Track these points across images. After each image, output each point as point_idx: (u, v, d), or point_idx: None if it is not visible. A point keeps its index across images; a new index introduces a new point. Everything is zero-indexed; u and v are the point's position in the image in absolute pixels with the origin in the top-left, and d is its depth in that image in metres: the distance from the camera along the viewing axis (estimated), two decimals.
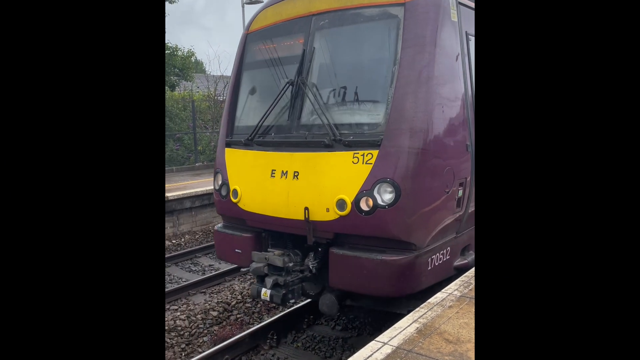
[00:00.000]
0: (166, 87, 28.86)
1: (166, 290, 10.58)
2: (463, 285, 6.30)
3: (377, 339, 4.74)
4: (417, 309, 5.45)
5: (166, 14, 34.61)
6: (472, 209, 7.32)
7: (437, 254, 6.82)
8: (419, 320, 5.14)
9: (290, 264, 6.76)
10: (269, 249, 7.15)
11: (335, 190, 6.47)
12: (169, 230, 16.39)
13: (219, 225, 8.16)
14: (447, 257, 7.09)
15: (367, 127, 6.54)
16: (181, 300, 10.55)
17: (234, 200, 7.47)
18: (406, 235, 6.29)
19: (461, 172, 6.81)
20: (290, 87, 7.17)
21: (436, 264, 6.83)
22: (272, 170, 7.07)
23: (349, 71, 6.92)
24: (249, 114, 7.89)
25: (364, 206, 6.29)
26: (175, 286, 11.11)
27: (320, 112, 6.78)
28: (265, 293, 6.71)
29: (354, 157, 6.39)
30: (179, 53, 29.74)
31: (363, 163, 6.33)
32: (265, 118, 7.31)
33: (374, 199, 6.21)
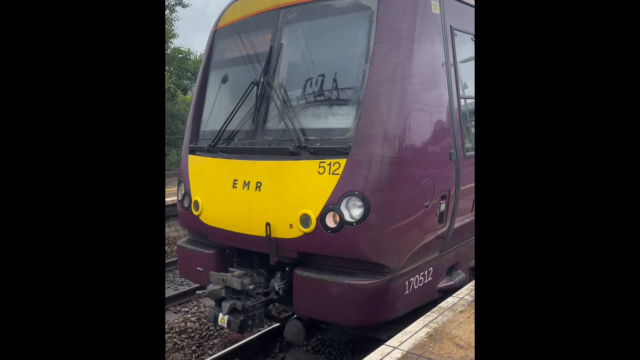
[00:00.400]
0: (179, 91, 28.26)
1: (177, 292, 10.46)
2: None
3: (387, 343, 4.59)
4: (427, 314, 5.22)
5: (179, 19, 34.30)
6: (458, 224, 6.32)
7: (417, 276, 5.84)
8: (429, 324, 4.95)
9: (251, 287, 5.82)
10: (230, 268, 6.22)
11: (299, 204, 5.53)
12: (181, 232, 15.81)
13: (183, 239, 7.26)
14: (429, 279, 6.10)
15: (336, 133, 5.59)
16: (192, 302, 10.24)
17: (195, 213, 6.57)
18: (377, 256, 5.33)
19: (443, 184, 5.81)
20: (256, 88, 6.25)
21: (415, 287, 5.84)
22: (234, 180, 6.16)
23: (318, 70, 5.97)
24: (215, 118, 6.97)
25: (330, 222, 5.34)
26: (186, 288, 10.79)
27: (284, 115, 5.84)
28: (223, 319, 5.79)
29: (319, 167, 5.45)
30: (192, 57, 29.08)
31: (330, 173, 5.38)
32: (229, 122, 6.39)
33: (341, 215, 5.27)
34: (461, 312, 5.23)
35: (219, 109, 7.01)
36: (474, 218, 6.73)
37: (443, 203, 5.86)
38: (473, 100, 6.66)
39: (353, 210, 5.27)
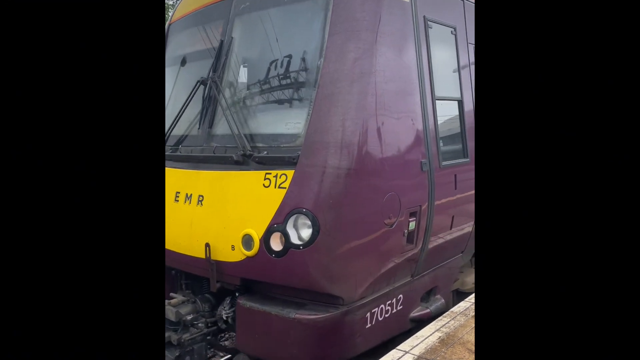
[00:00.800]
0: None
1: None
2: None
3: (398, 347, 4.46)
4: (439, 318, 5.09)
5: None
6: (434, 243, 5.36)
7: (382, 306, 4.91)
8: (441, 329, 4.80)
9: (189, 317, 4.92)
10: (171, 294, 5.33)
11: (243, 223, 4.63)
12: None
13: None
14: (399, 308, 5.16)
15: (285, 139, 4.67)
16: None
17: None
18: (328, 286, 4.40)
19: (412, 199, 4.87)
20: (203, 87, 5.35)
21: (380, 318, 4.91)
22: (177, 192, 5.26)
23: (271, 66, 5.07)
24: (167, 121, 6.06)
25: (274, 245, 4.43)
26: None
27: (230, 118, 4.93)
28: None
29: (265, 179, 4.54)
30: None
31: (276, 187, 4.47)
32: (174, 125, 5.52)
33: (287, 236, 4.35)
34: (473, 317, 4.98)
35: (171, 112, 6.11)
36: (455, 235, 5.77)
37: (412, 221, 4.91)
38: (453, 101, 5.70)
39: (301, 231, 4.36)
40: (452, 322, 4.93)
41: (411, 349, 4.37)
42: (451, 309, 5.33)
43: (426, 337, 4.61)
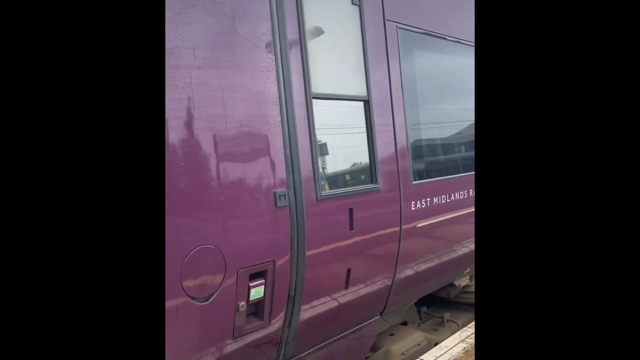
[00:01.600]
0: None
1: None
2: None
3: (422, 357, 4.30)
4: (464, 328, 4.87)
5: None
6: (317, 311, 3.48)
7: None
8: (466, 340, 4.61)
9: None
10: None
11: None
12: None
13: None
14: None
15: None
16: None
17: None
18: None
19: (254, 252, 3.01)
20: None
21: None
22: None
23: None
24: None
25: None
26: None
27: None
28: None
29: None
30: None
31: None
32: None
33: None
34: None
35: None
36: (363, 293, 3.88)
37: (258, 285, 3.04)
38: (357, 102, 3.81)
39: None
40: None
41: None
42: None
43: (450, 347, 4.49)
